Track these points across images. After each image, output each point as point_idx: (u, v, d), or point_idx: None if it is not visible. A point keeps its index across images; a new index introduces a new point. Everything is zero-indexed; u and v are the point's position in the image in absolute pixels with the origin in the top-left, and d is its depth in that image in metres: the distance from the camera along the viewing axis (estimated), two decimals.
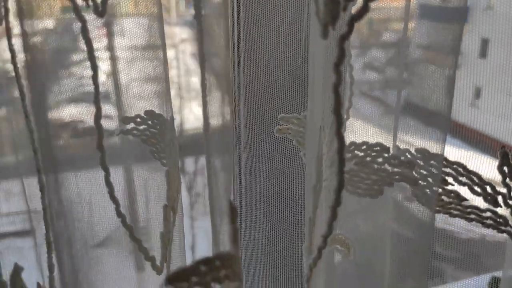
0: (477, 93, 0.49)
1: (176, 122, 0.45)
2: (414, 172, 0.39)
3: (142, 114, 0.42)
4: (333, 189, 0.34)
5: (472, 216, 0.40)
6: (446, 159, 0.40)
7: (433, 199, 0.39)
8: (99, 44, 0.40)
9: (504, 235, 0.41)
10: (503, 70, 0.46)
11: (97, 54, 0.35)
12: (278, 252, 0.50)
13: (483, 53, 0.52)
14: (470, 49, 0.50)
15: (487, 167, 0.42)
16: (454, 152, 0.43)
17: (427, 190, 0.39)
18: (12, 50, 0.37)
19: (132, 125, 0.43)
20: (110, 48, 0.41)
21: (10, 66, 0.45)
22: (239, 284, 0.30)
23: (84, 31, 0.33)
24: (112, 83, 0.41)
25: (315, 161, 0.40)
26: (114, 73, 0.41)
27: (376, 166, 0.40)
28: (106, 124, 0.39)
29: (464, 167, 0.39)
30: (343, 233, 0.47)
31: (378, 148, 0.40)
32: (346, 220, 0.48)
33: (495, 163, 0.40)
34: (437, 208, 0.41)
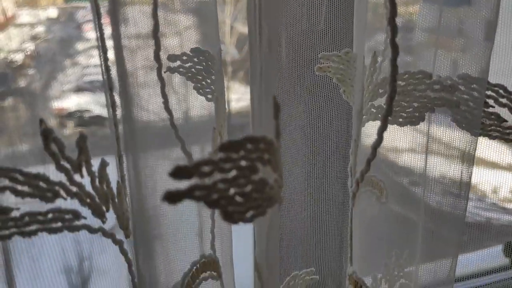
0: None
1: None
2: (455, 97, 0.40)
3: (188, 52, 0.44)
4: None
5: None
6: (487, 82, 0.40)
7: (474, 122, 0.40)
8: None
9: None
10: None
11: None
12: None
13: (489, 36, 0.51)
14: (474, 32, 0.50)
15: None
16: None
17: (468, 114, 0.40)
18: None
19: (178, 62, 0.44)
20: None
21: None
22: (279, 179, 0.31)
23: None
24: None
25: (360, 88, 0.41)
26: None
27: (418, 93, 0.41)
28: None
29: (505, 89, 0.40)
30: (377, 176, 0.48)
31: (420, 75, 0.41)
32: (380, 165, 0.49)
33: None
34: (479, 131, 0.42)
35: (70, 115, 0.62)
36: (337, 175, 0.51)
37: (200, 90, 0.45)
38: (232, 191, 0.27)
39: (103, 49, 0.39)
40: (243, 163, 0.27)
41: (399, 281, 0.51)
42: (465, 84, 0.40)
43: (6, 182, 0.30)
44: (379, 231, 0.51)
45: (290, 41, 0.47)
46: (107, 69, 0.39)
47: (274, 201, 0.30)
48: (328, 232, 0.53)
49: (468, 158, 0.43)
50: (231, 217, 0.28)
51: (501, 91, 0.40)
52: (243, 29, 0.71)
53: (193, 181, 0.26)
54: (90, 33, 0.56)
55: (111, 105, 0.39)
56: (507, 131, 0.41)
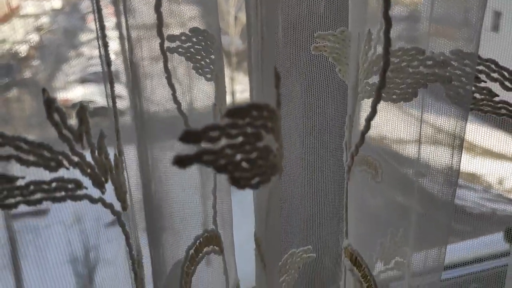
0: None
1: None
2: (447, 73, 0.41)
3: (187, 32, 0.45)
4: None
5: (503, 111, 0.42)
6: (479, 57, 0.42)
7: (466, 97, 0.41)
8: None
9: None
10: None
11: None
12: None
13: (495, 27, 0.53)
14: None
15: None
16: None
17: (460, 90, 0.41)
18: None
19: (177, 43, 0.45)
20: None
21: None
22: (280, 149, 0.32)
23: None
24: None
25: (354, 65, 0.42)
26: None
27: (411, 70, 0.42)
28: None
29: (496, 64, 0.41)
30: (372, 155, 0.49)
31: (414, 52, 0.42)
32: (375, 147, 0.50)
33: None
34: (470, 106, 0.43)
35: (74, 106, 0.62)
36: (333, 153, 0.53)
37: (200, 70, 0.45)
38: (238, 157, 0.28)
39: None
40: (248, 129, 0.28)
41: (394, 259, 0.53)
42: (457, 60, 0.41)
43: (11, 151, 0.31)
44: (375, 210, 0.53)
45: (286, 22, 0.48)
46: (107, 60, 0.39)
47: (277, 170, 0.31)
48: (325, 210, 0.54)
49: (458, 144, 0.44)
50: (238, 183, 0.29)
51: (492, 66, 0.42)
52: None
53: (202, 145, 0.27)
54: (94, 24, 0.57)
55: (111, 94, 0.40)
56: (499, 105, 0.42)
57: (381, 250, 0.51)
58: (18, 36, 0.52)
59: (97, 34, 0.39)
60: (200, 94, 0.44)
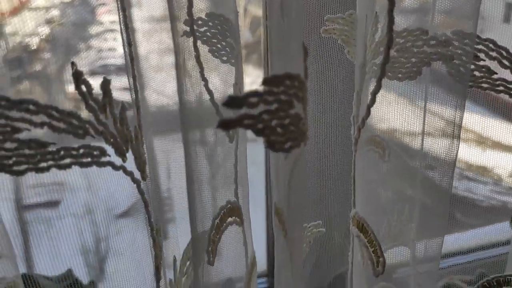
0: None
1: None
2: (449, 52, 0.44)
3: (203, 17, 0.47)
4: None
5: (501, 88, 0.45)
6: (478, 37, 0.45)
7: (467, 75, 0.44)
8: None
9: None
10: None
11: None
12: None
13: (507, 18, 0.55)
14: (493, 14, 0.51)
15: None
16: None
17: (461, 68, 0.45)
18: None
19: (194, 27, 0.47)
20: None
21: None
22: (306, 118, 0.35)
23: None
24: None
25: (362, 44, 0.45)
26: None
27: (415, 49, 0.45)
28: None
29: (494, 43, 0.45)
30: (380, 136, 0.52)
31: (418, 32, 0.45)
32: (381, 124, 0.53)
33: None
34: (470, 83, 0.46)
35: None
36: (343, 131, 0.55)
37: (215, 53, 0.48)
38: (274, 122, 0.31)
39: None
40: (282, 97, 0.31)
41: (400, 237, 0.55)
42: (458, 40, 0.44)
43: (44, 118, 0.33)
44: (382, 188, 0.55)
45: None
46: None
47: (305, 137, 0.34)
48: (334, 185, 0.57)
49: (459, 117, 0.47)
50: (273, 146, 0.31)
51: (491, 45, 0.45)
52: (257, 11, 0.73)
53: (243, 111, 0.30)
54: (104, 17, 0.58)
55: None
56: (497, 82, 0.46)
57: (388, 227, 0.54)
58: (29, 28, 0.53)
59: (119, 15, 0.41)
60: (218, 75, 0.46)
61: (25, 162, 0.32)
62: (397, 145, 0.54)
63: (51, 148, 0.34)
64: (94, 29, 0.60)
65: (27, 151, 0.32)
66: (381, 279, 0.54)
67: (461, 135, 0.48)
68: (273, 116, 0.31)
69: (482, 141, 0.72)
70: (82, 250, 0.65)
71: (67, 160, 0.34)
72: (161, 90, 0.56)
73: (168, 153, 0.51)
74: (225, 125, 0.29)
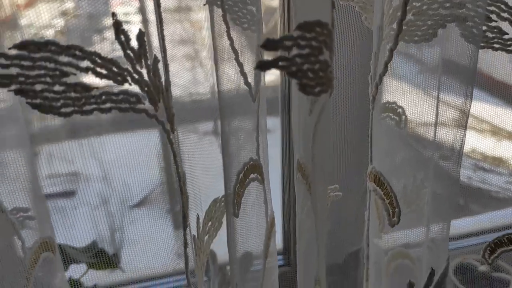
0: None
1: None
2: (462, 14, 0.46)
3: None
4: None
5: None
6: None
7: (479, 36, 0.46)
8: None
9: None
10: None
11: None
12: None
13: None
14: None
15: None
16: None
17: (474, 30, 0.47)
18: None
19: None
20: None
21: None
22: (332, 71, 0.37)
23: None
24: None
25: (379, 8, 0.47)
26: None
27: (431, 12, 0.47)
28: None
29: (505, 4, 0.47)
30: (397, 102, 0.54)
31: None
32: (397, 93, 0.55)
33: None
34: (482, 44, 0.48)
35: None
36: (360, 97, 0.57)
37: (237, 21, 0.50)
38: (305, 66, 0.33)
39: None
40: (313, 43, 0.33)
41: (415, 203, 0.57)
42: (471, 1, 0.46)
43: (88, 64, 0.35)
44: (398, 155, 0.57)
45: None
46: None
47: (332, 85, 0.36)
48: (351, 148, 0.59)
49: (469, 90, 0.49)
50: (304, 89, 0.33)
51: (502, 6, 0.47)
52: (270, 2, 0.75)
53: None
54: (119, 8, 0.59)
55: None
56: (508, 42, 0.48)
57: (403, 192, 0.56)
58: (44, 21, 0.55)
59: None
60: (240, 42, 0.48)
61: (71, 104, 0.34)
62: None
63: (94, 93, 0.36)
64: (108, 21, 0.62)
65: (73, 94, 0.34)
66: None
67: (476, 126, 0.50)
68: (305, 60, 0.33)
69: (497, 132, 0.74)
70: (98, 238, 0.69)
71: (108, 105, 0.36)
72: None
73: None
74: (262, 66, 0.31)
